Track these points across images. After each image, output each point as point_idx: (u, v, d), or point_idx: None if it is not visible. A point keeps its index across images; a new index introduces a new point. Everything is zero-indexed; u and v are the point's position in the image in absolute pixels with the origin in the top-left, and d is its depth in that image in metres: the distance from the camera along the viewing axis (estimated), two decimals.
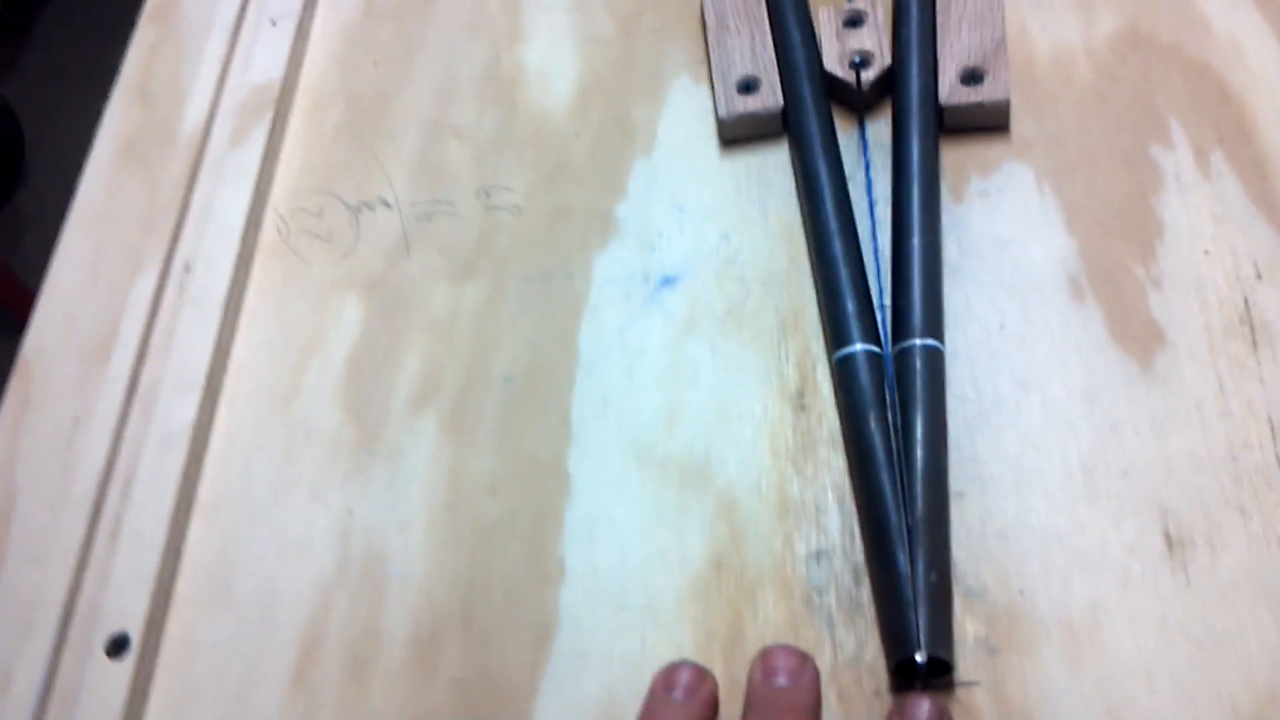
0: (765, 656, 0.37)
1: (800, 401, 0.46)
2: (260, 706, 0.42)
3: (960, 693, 0.39)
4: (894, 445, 0.43)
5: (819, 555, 0.42)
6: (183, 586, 0.45)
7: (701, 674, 0.37)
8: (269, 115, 0.55)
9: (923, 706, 0.37)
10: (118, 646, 0.42)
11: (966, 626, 0.40)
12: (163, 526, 0.45)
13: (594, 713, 0.40)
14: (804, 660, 0.37)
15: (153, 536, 0.45)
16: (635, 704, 0.39)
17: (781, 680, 0.37)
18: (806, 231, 0.50)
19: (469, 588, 0.43)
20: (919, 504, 0.41)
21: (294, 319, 0.51)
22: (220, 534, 0.46)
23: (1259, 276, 0.46)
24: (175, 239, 0.52)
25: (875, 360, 0.45)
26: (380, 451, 0.47)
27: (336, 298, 0.51)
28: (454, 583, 0.43)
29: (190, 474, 0.47)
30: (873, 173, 0.51)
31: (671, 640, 0.41)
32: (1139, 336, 0.45)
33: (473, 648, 0.42)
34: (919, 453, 0.42)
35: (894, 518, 0.41)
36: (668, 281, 0.50)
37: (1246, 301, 0.45)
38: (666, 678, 0.37)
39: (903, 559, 0.40)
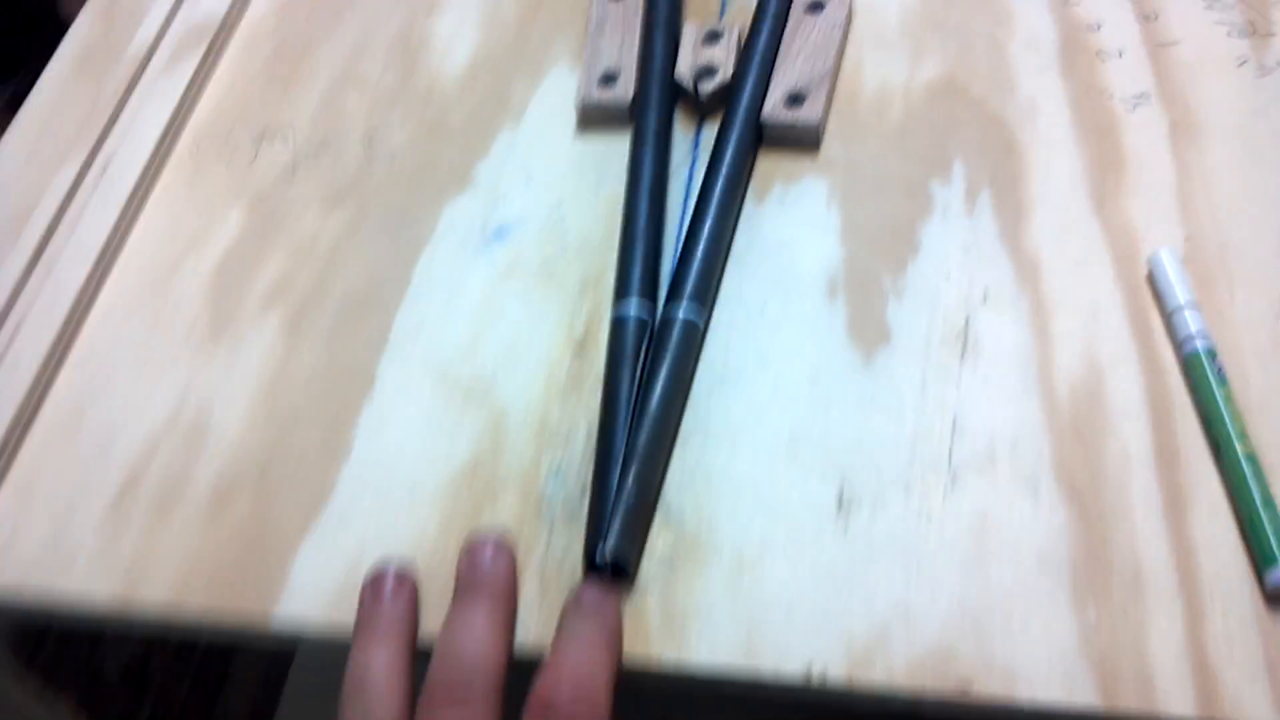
0: (468, 544, 0.46)
1: (581, 348, 0.54)
2: (83, 521, 0.50)
3: (636, 593, 0.47)
4: (636, 390, 0.51)
5: (558, 471, 0.50)
6: (45, 415, 0.54)
7: (402, 575, 0.47)
8: (204, 47, 0.64)
9: (589, 589, 0.45)
10: None
11: (657, 542, 0.48)
12: (37, 365, 0.54)
13: (343, 563, 0.48)
14: (499, 547, 0.46)
15: (26, 372, 0.54)
16: (376, 561, 0.48)
17: (482, 561, 0.46)
18: (624, 202, 0.58)
19: (270, 454, 0.52)
20: (641, 437, 0.49)
21: (185, 219, 0.60)
22: (85, 379, 0.55)
23: (984, 300, 0.54)
24: (101, 141, 0.61)
25: (642, 323, 0.53)
26: (226, 337, 0.56)
27: (224, 207, 0.60)
28: (259, 448, 0.52)
29: (69, 327, 0.56)
30: (697, 170, 0.60)
31: (418, 521, 0.49)
32: (869, 335, 0.53)
33: (260, 502, 0.50)
34: (654, 398, 0.50)
35: (617, 445, 0.49)
36: (500, 233, 0.58)
37: (968, 320, 0.53)
38: (374, 586, 0.46)
39: (614, 478, 0.48)
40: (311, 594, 0.48)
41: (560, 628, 0.44)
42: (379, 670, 0.43)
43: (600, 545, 0.47)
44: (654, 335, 0.53)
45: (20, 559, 0.50)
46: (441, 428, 0.52)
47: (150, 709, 0.68)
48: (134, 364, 0.55)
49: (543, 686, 0.42)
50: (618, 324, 0.53)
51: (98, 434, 0.53)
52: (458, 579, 0.46)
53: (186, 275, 0.58)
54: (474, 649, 0.43)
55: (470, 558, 0.46)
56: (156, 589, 0.48)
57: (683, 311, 0.53)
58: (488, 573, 0.46)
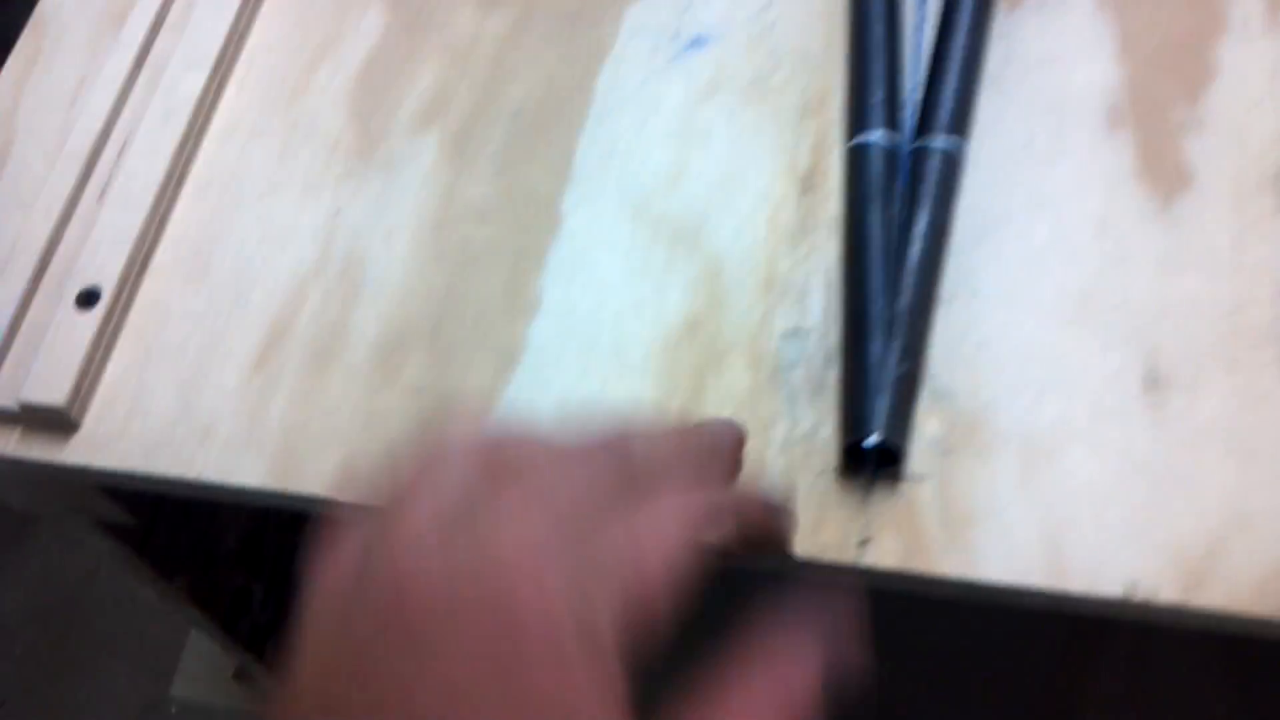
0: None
1: (808, 183, 0.45)
2: (219, 382, 0.42)
3: (906, 486, 0.38)
4: (892, 238, 0.42)
5: (795, 333, 0.42)
6: (162, 255, 0.45)
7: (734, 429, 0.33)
8: None
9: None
10: (89, 299, 0.42)
11: (927, 425, 0.40)
12: (151, 194, 0.44)
13: None
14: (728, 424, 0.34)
15: (139, 201, 0.44)
16: None
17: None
18: (849, 12, 0.48)
19: (443, 304, 0.43)
20: (904, 297, 0.40)
21: (314, 16, 0.50)
22: (207, 212, 0.45)
23: None
24: None
25: (890, 153, 0.43)
26: (378, 161, 0.46)
27: (360, 3, 0.50)
28: (429, 297, 0.43)
29: (186, 149, 0.46)
30: None
31: (631, 389, 0.41)
32: (1166, 175, 0.44)
33: (436, 362, 0.42)
34: (915, 248, 0.41)
35: (878, 305, 0.40)
36: (698, 42, 0.48)
37: None
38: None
39: (877, 347, 0.39)
40: None
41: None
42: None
43: (868, 426, 0.38)
44: (905, 171, 0.43)
45: (148, 429, 0.41)
46: (647, 275, 0.43)
47: (265, 585, 0.61)
48: (266, 193, 0.46)
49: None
50: (859, 153, 0.44)
51: (229, 279, 0.44)
52: None
53: (321, 85, 0.48)
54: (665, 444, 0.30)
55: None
56: (316, 468, 0.40)
57: (940, 141, 0.43)
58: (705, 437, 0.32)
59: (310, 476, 0.40)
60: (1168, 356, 0.40)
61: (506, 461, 0.28)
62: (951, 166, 0.43)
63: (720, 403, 0.40)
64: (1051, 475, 0.38)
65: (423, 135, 0.46)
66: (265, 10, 0.50)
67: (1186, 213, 0.43)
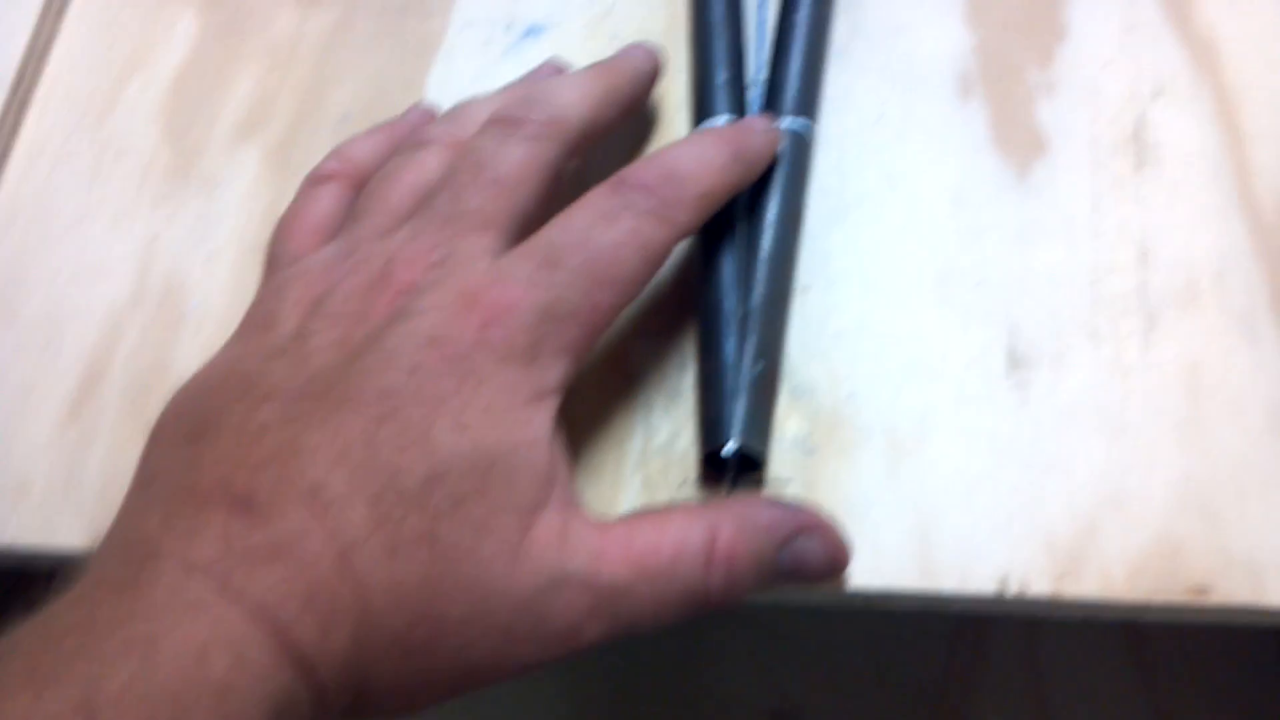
0: None
1: None
2: (31, 435, 0.39)
3: (769, 490, 0.37)
4: (741, 230, 0.39)
5: (646, 336, 0.39)
6: None
7: (562, 67, 0.43)
8: None
9: (758, 119, 0.40)
10: None
11: (788, 424, 0.38)
12: None
13: None
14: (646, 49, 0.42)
15: None
16: None
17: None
18: None
19: None
20: (757, 291, 0.38)
21: (121, 27, 0.46)
22: (12, 249, 0.42)
23: (1158, 94, 0.43)
24: None
25: None
26: (195, 180, 0.43)
27: (171, 9, 0.47)
28: None
29: None
30: None
31: None
32: (1020, 143, 0.42)
33: None
34: (766, 239, 0.39)
35: (729, 303, 0.38)
36: (533, 31, 0.45)
37: (1140, 119, 0.42)
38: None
39: (730, 346, 0.37)
40: None
41: None
42: (482, 104, 0.40)
43: (724, 433, 0.36)
44: None
45: None
46: None
47: None
48: (75, 223, 0.43)
49: (632, 166, 0.35)
50: None
51: (38, 318, 0.41)
52: None
53: (131, 101, 0.45)
54: (554, 91, 0.37)
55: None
56: None
57: (788, 123, 0.41)
58: (617, 57, 0.41)
59: None
60: (1030, 333, 0.39)
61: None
62: (801, 149, 0.41)
63: (571, 420, 0.38)
64: (917, 468, 0.37)
65: (242, 149, 0.44)
66: (68, 23, 0.47)
67: (1043, 180, 0.41)
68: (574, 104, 0.36)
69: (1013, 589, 0.35)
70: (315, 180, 0.38)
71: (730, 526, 0.32)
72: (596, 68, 0.39)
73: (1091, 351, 0.38)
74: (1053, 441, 0.37)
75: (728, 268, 0.39)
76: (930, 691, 0.58)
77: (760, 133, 0.39)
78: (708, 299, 0.38)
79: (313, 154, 0.43)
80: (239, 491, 0.28)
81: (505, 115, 0.35)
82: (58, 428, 0.39)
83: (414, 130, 0.39)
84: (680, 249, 0.40)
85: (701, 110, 0.42)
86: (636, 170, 0.34)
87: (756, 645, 0.58)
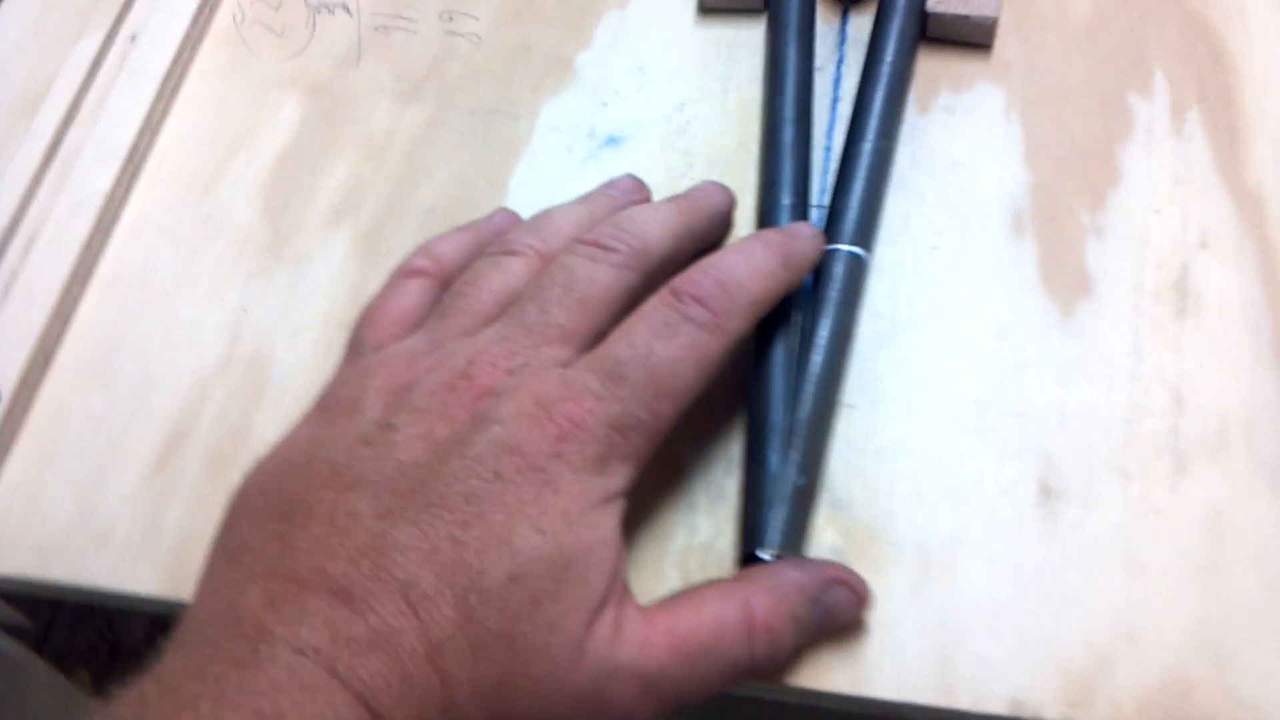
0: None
1: None
2: (117, 486, 0.41)
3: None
4: (794, 345, 0.42)
5: (698, 440, 0.42)
6: (65, 355, 0.44)
7: (642, 185, 0.45)
8: None
9: (802, 224, 0.43)
10: None
11: (824, 535, 0.40)
12: (55, 291, 0.44)
13: None
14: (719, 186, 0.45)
15: (43, 299, 0.44)
16: None
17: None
18: (762, 114, 0.48)
19: None
20: (805, 407, 0.40)
21: (230, 109, 0.50)
22: (113, 311, 0.45)
23: (1204, 245, 0.45)
24: (126, 8, 0.51)
25: None
26: (287, 257, 0.46)
27: (277, 95, 0.50)
28: None
29: (94, 245, 0.46)
30: (845, 69, 0.50)
31: None
32: (1068, 283, 0.44)
33: None
34: (817, 357, 0.41)
35: (777, 416, 0.40)
36: (613, 141, 0.48)
37: (1185, 268, 0.44)
38: (611, 181, 0.45)
39: (775, 459, 0.39)
40: None
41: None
42: (567, 216, 0.42)
43: (762, 539, 0.38)
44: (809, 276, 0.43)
45: (42, 533, 0.41)
46: None
47: None
48: (173, 290, 0.46)
49: (685, 274, 0.37)
50: None
51: (132, 378, 0.44)
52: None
53: (235, 179, 0.48)
54: (642, 222, 0.39)
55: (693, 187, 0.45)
56: None
57: (846, 246, 0.43)
58: (697, 194, 0.44)
59: None
60: (1062, 467, 0.41)
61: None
62: (856, 272, 0.43)
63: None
64: (944, 589, 0.39)
65: (333, 232, 0.47)
66: (181, 101, 0.50)
67: (1086, 320, 0.43)
68: (659, 238, 0.38)
69: (1026, 712, 0.37)
70: (404, 274, 0.41)
71: (764, 597, 0.35)
72: (679, 203, 0.41)
73: (1121, 490, 0.40)
74: (1076, 574, 0.39)
75: (778, 382, 0.41)
76: None
77: (807, 239, 0.41)
78: (757, 410, 0.41)
79: (400, 242, 0.46)
80: (338, 582, 0.30)
81: (598, 240, 0.37)
82: (142, 482, 0.41)
83: (498, 233, 0.41)
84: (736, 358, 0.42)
85: (766, 221, 0.44)
86: (692, 279, 0.36)
87: None
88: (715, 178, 0.47)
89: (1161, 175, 0.46)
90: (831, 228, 0.44)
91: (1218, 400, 0.42)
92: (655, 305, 0.36)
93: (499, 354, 0.34)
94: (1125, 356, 0.43)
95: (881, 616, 0.38)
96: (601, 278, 0.36)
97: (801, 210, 0.45)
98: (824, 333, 0.42)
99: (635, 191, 0.44)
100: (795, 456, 0.39)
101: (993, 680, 0.37)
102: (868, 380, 0.43)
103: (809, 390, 0.41)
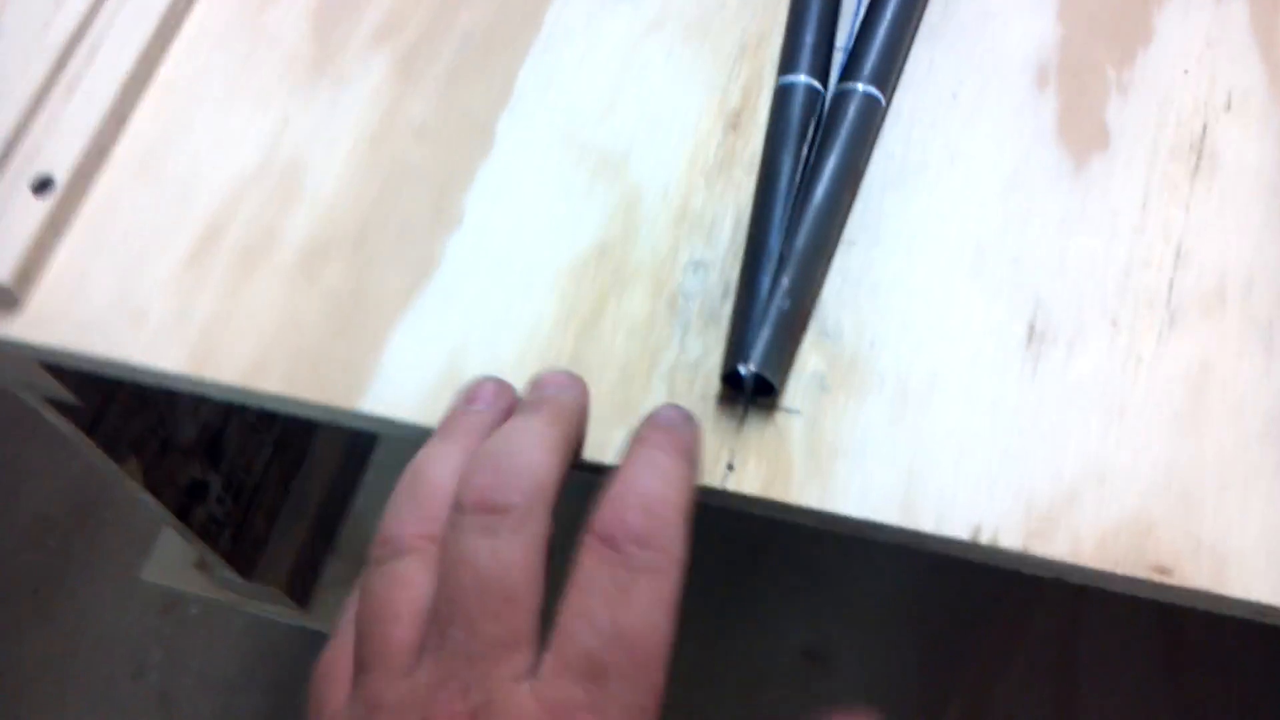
0: (537, 375, 0.38)
1: (734, 121, 0.46)
2: (155, 273, 0.44)
3: (779, 416, 0.40)
4: (798, 179, 0.43)
5: (698, 265, 0.43)
6: (119, 151, 0.47)
7: (503, 387, 0.38)
8: None
9: (667, 408, 0.37)
10: (42, 185, 0.45)
11: (809, 361, 0.41)
12: (115, 91, 0.47)
13: (444, 351, 0.42)
14: (572, 378, 0.37)
15: (104, 98, 0.47)
16: (481, 352, 0.41)
17: (551, 382, 0.37)
18: None
19: (370, 214, 0.45)
20: (800, 236, 0.41)
21: None
22: (168, 112, 0.48)
23: (1228, 107, 0.44)
24: None
25: (812, 95, 0.44)
26: (330, 75, 0.48)
27: None
28: (358, 206, 0.45)
29: (153, 52, 0.49)
30: None
31: (535, 307, 0.43)
32: (1085, 137, 0.44)
33: (356, 267, 0.44)
34: (820, 189, 0.42)
35: (772, 242, 0.41)
36: None
37: (1205, 128, 0.44)
38: (470, 392, 0.38)
39: (765, 281, 0.41)
40: (404, 382, 0.42)
41: (628, 452, 0.35)
42: (441, 468, 0.34)
43: (744, 356, 0.39)
44: (826, 112, 0.44)
45: (85, 311, 0.44)
46: (567, 202, 0.45)
47: (223, 479, 0.64)
48: (223, 100, 0.48)
49: (605, 512, 0.32)
50: (783, 93, 0.45)
51: (178, 177, 0.47)
52: (519, 404, 0.37)
53: (286, 1, 0.50)
54: (523, 455, 0.33)
55: (537, 381, 0.37)
56: (232, 358, 0.43)
57: (862, 87, 0.44)
58: (554, 392, 0.36)
59: (225, 366, 0.42)
60: (1053, 312, 0.41)
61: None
62: (870, 112, 0.44)
63: (615, 326, 0.42)
64: (920, 419, 0.40)
65: (375, 53, 0.49)
66: None
67: (1098, 174, 0.43)
68: (547, 467, 0.33)
69: (984, 538, 0.38)
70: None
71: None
72: (545, 412, 0.35)
73: (1109, 338, 0.41)
74: (1053, 414, 0.39)
75: (777, 210, 0.42)
76: (963, 651, 0.60)
77: (684, 424, 0.36)
78: (755, 235, 0.42)
79: (434, 65, 0.48)
80: None
81: (485, 500, 0.32)
82: (178, 270, 0.44)
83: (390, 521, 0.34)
84: (745, 191, 0.44)
85: (785, 65, 0.45)
86: (617, 518, 0.32)
87: (792, 585, 0.61)
88: (745, 17, 0.48)
89: (1195, 37, 0.46)
90: (850, 68, 0.45)
91: (1219, 259, 0.42)
92: (595, 566, 0.31)
93: (451, 698, 0.29)
94: (1132, 210, 0.43)
95: (857, 440, 0.39)
96: (512, 554, 0.31)
97: (824, 50, 0.45)
98: (829, 166, 0.43)
99: (498, 399, 0.37)
100: (785, 282, 0.41)
101: (956, 507, 0.38)
102: (871, 219, 0.43)
103: (808, 220, 0.42)
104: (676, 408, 0.37)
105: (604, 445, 0.40)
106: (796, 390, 0.40)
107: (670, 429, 0.35)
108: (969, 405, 0.40)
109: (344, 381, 0.42)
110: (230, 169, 0.46)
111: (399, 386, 0.42)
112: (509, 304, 0.43)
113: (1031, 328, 0.41)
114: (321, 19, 0.50)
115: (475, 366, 0.42)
